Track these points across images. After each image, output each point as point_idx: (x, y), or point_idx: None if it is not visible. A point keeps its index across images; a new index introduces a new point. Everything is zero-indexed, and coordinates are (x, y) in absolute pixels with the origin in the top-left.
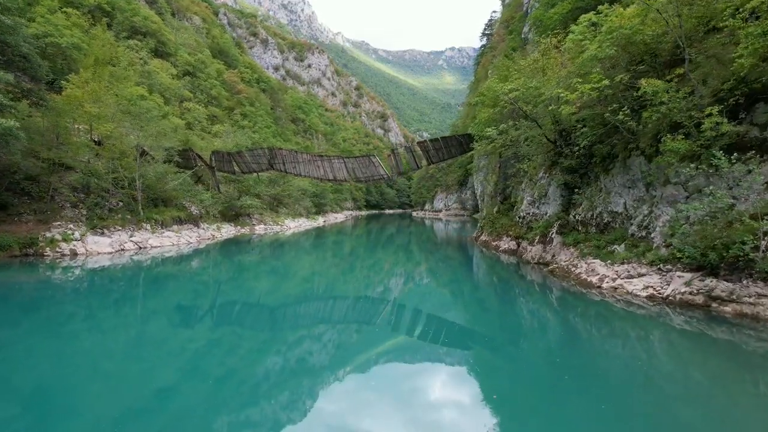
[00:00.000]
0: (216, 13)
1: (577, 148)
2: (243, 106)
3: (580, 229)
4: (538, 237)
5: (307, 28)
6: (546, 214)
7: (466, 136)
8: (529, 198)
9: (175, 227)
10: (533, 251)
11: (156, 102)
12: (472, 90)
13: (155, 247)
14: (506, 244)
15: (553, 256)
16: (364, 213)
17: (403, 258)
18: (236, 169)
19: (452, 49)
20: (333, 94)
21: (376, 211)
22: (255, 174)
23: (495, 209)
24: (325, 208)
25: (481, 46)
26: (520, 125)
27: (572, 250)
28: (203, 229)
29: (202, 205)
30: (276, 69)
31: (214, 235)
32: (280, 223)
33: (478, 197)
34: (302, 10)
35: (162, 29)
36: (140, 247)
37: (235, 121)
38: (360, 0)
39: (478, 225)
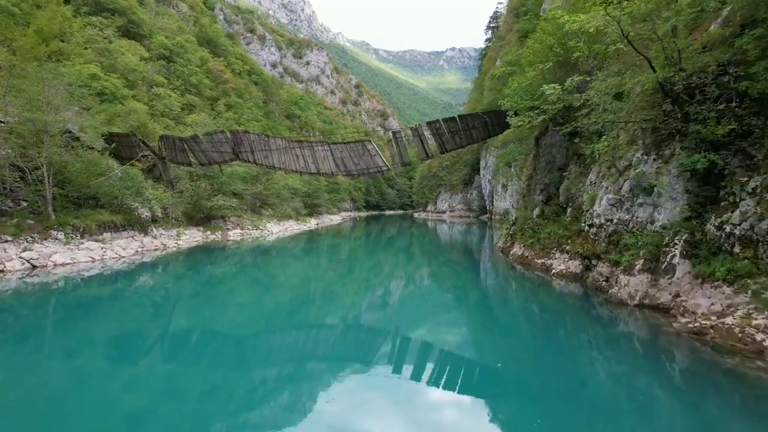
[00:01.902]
0: (212, 9)
1: (737, 102)
2: (229, 97)
3: (735, 251)
4: (641, 261)
5: (308, 28)
6: (652, 221)
7: (494, 114)
8: (610, 195)
9: (105, 236)
10: (631, 284)
11: (113, 82)
12: (477, 86)
13: (63, 264)
14: (563, 264)
15: (677, 296)
16: (363, 214)
17: (405, 270)
18: (192, 159)
19: (453, 49)
20: (332, 92)
21: (376, 212)
22: (218, 166)
23: (535, 212)
24: (319, 209)
25: (486, 40)
26: (599, 78)
27: (726, 289)
28: (152, 236)
29: (151, 205)
30: (274, 66)
31: (165, 245)
32: (260, 227)
33: (485, 197)
34: (302, 9)
35: (134, 8)
36: (35, 266)
37: (217, 113)
38: (360, 0)
39: (505, 232)
